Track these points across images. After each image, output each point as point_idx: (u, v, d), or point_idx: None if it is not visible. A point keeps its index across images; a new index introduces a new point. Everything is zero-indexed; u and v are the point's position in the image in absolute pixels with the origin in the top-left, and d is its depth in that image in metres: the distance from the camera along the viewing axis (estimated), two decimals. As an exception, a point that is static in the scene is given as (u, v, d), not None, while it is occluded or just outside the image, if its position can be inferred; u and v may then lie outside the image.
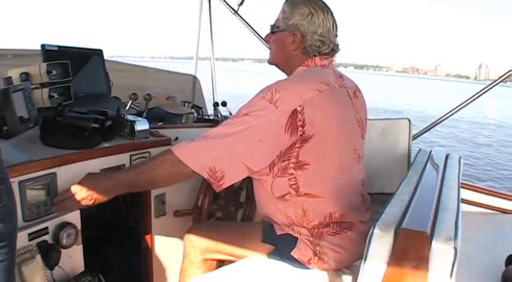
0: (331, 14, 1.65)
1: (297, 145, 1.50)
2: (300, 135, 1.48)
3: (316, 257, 1.59)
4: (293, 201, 1.59)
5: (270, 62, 1.78)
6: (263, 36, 1.88)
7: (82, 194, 1.51)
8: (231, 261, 1.74)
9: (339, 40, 1.71)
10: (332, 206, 1.60)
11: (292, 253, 1.61)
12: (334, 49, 1.68)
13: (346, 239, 1.62)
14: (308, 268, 1.62)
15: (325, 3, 1.67)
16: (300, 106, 1.46)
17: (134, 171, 1.57)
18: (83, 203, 1.52)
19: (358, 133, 1.72)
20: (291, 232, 1.63)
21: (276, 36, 1.70)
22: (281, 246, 1.64)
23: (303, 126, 1.47)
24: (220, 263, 1.83)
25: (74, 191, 1.52)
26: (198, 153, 1.48)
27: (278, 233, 1.65)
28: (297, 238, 1.61)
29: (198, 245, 1.77)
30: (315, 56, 1.66)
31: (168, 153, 1.52)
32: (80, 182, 1.53)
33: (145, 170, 1.54)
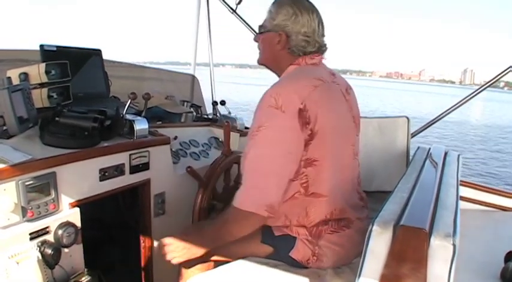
0: (317, 14, 1.67)
1: (306, 144, 1.52)
2: (308, 135, 1.50)
3: (315, 257, 1.60)
4: (300, 201, 1.60)
5: (259, 62, 1.80)
6: None
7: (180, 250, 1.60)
8: (229, 262, 1.74)
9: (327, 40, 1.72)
10: (333, 203, 1.61)
11: (290, 254, 1.61)
12: (320, 48, 1.70)
13: (344, 236, 1.62)
14: (307, 267, 1.63)
15: (311, 4, 1.68)
16: (302, 103, 1.47)
17: (214, 227, 1.62)
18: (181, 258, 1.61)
19: (353, 130, 1.74)
20: (290, 232, 1.63)
21: (264, 36, 1.72)
22: (280, 246, 1.64)
23: (309, 123, 1.49)
24: (220, 264, 1.83)
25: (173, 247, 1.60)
26: (249, 195, 1.50)
27: (276, 234, 1.65)
28: (295, 238, 1.62)
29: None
30: (300, 55, 1.67)
31: (233, 209, 1.53)
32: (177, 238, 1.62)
33: (226, 230, 1.58)
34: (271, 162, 1.49)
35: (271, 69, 1.78)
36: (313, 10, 1.66)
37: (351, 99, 1.76)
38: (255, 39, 1.80)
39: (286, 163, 1.50)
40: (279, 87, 1.55)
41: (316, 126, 1.50)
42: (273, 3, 1.69)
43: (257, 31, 1.78)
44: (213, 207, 2.10)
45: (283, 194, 1.51)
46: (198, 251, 1.60)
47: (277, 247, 1.65)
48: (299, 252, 1.61)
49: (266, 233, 1.67)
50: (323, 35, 1.70)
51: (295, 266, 1.62)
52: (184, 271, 1.81)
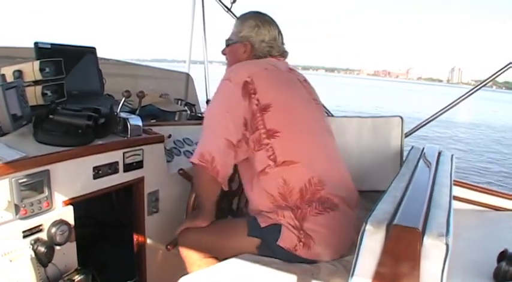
0: (277, 26, 1.94)
1: (258, 115, 1.70)
2: (256, 105, 1.70)
3: (301, 243, 1.63)
4: (273, 173, 1.70)
5: None
6: None
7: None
8: (224, 258, 1.74)
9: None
10: (308, 170, 1.70)
11: (278, 242, 1.64)
12: (282, 54, 1.96)
13: (330, 219, 1.66)
14: (299, 262, 1.65)
15: (271, 18, 1.95)
16: (249, 77, 1.72)
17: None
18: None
19: (319, 109, 1.97)
20: (276, 217, 1.67)
21: (230, 48, 1.97)
22: (267, 237, 1.68)
23: (255, 94, 1.70)
24: (217, 260, 1.84)
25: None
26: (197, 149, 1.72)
27: (262, 226, 1.69)
28: (281, 226, 1.65)
29: (191, 243, 1.81)
30: (266, 57, 1.91)
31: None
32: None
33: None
34: (211, 119, 1.76)
35: None
36: (272, 23, 1.94)
37: (309, 87, 2.00)
38: (223, 53, 2.04)
39: (222, 120, 1.70)
40: (235, 66, 1.83)
41: (267, 99, 1.71)
42: (238, 18, 2.00)
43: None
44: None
45: (221, 150, 1.68)
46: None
47: (265, 238, 1.69)
48: (285, 240, 1.65)
49: (252, 226, 1.71)
50: (283, 43, 1.97)
51: (287, 259, 1.65)
52: (189, 265, 1.84)
